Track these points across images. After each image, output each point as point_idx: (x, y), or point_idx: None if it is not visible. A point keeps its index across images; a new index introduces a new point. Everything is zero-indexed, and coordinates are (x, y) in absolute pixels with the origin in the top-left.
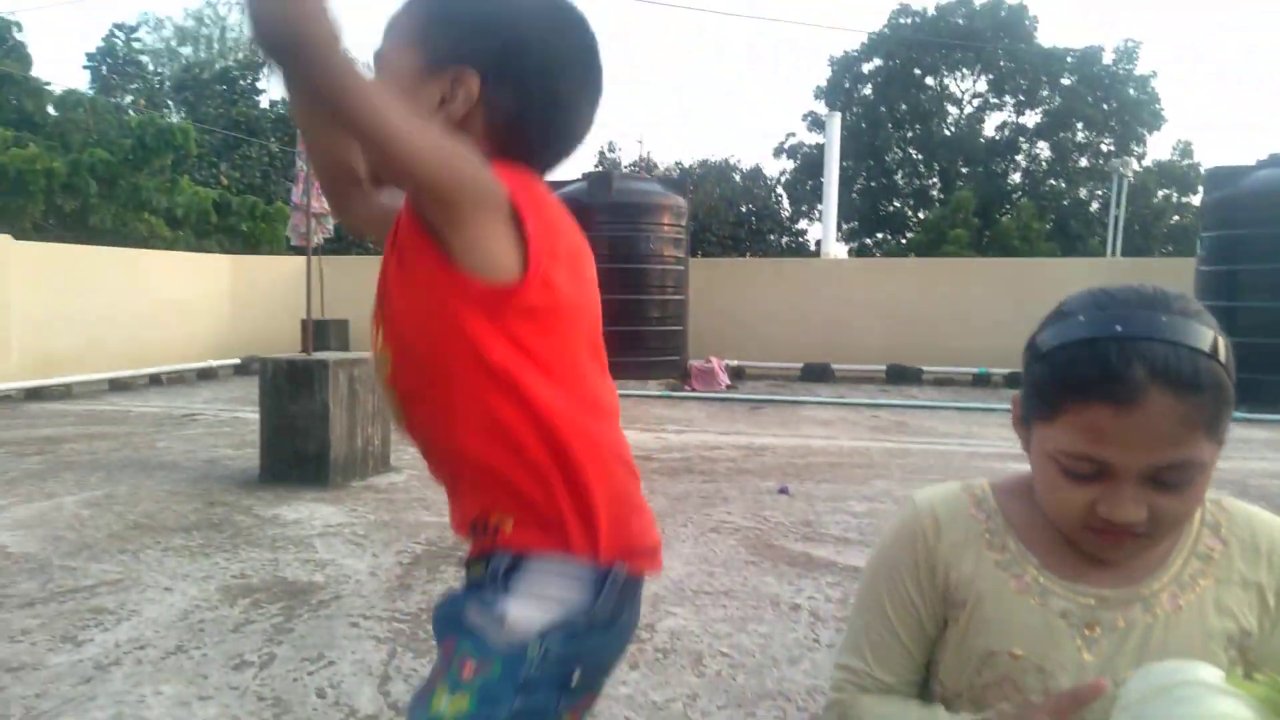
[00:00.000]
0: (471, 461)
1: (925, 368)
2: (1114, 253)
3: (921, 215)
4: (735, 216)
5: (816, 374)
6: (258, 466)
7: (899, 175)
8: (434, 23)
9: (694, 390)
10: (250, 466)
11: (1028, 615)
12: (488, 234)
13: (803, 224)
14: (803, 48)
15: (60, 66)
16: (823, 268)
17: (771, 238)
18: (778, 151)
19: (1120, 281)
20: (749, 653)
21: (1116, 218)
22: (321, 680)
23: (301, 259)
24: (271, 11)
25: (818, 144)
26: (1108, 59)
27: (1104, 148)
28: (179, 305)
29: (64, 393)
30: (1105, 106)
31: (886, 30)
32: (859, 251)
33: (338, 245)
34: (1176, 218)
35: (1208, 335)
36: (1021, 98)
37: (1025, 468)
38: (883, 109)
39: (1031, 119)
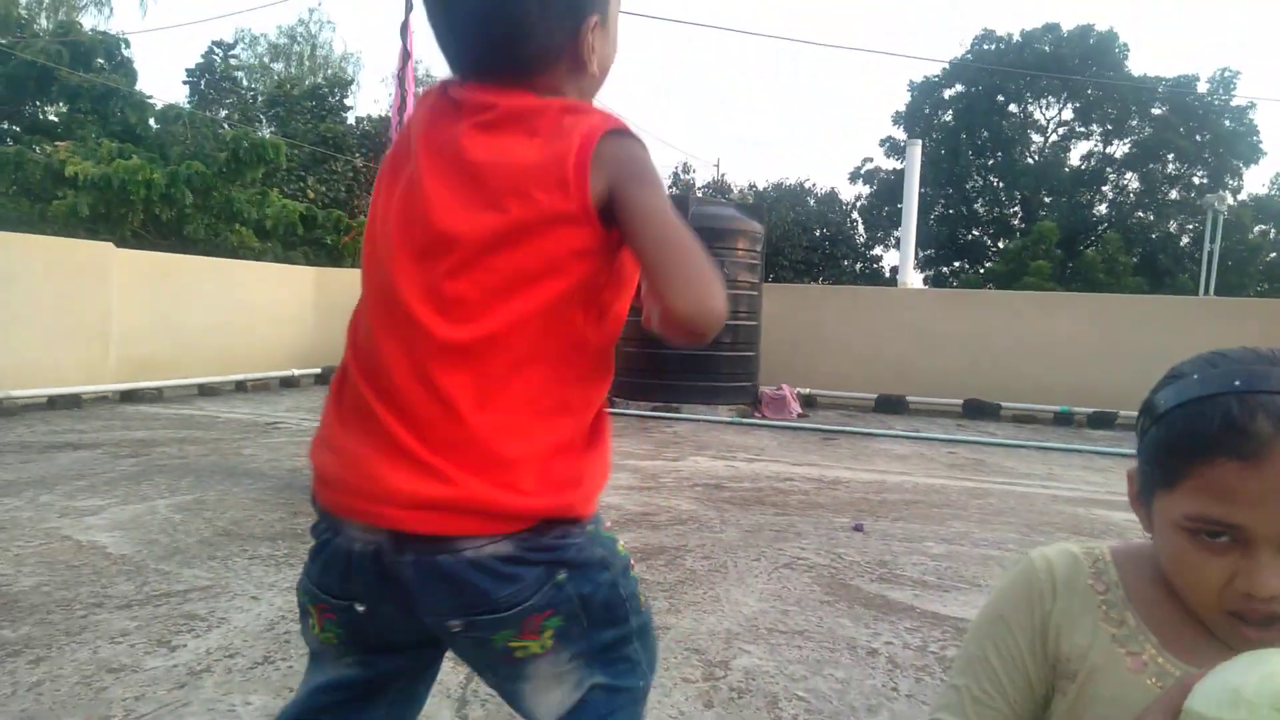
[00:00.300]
0: None
1: (1004, 403)
2: (1207, 290)
3: (1001, 245)
4: (809, 241)
5: (891, 406)
6: None
7: (979, 203)
8: None
9: (765, 418)
10: None
11: (1142, 696)
12: None
13: (877, 250)
14: (882, 72)
15: (162, 81)
16: (899, 296)
17: (845, 263)
18: (854, 176)
19: (1215, 321)
20: (826, 698)
21: (1210, 253)
22: None
23: None
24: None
25: (895, 169)
26: (1202, 88)
27: (1196, 180)
28: (266, 314)
29: (156, 396)
30: (1198, 138)
31: (969, 56)
32: (935, 280)
33: None
34: (1274, 254)
35: None
36: (1109, 127)
37: (1124, 522)
38: (963, 135)
39: (1119, 149)
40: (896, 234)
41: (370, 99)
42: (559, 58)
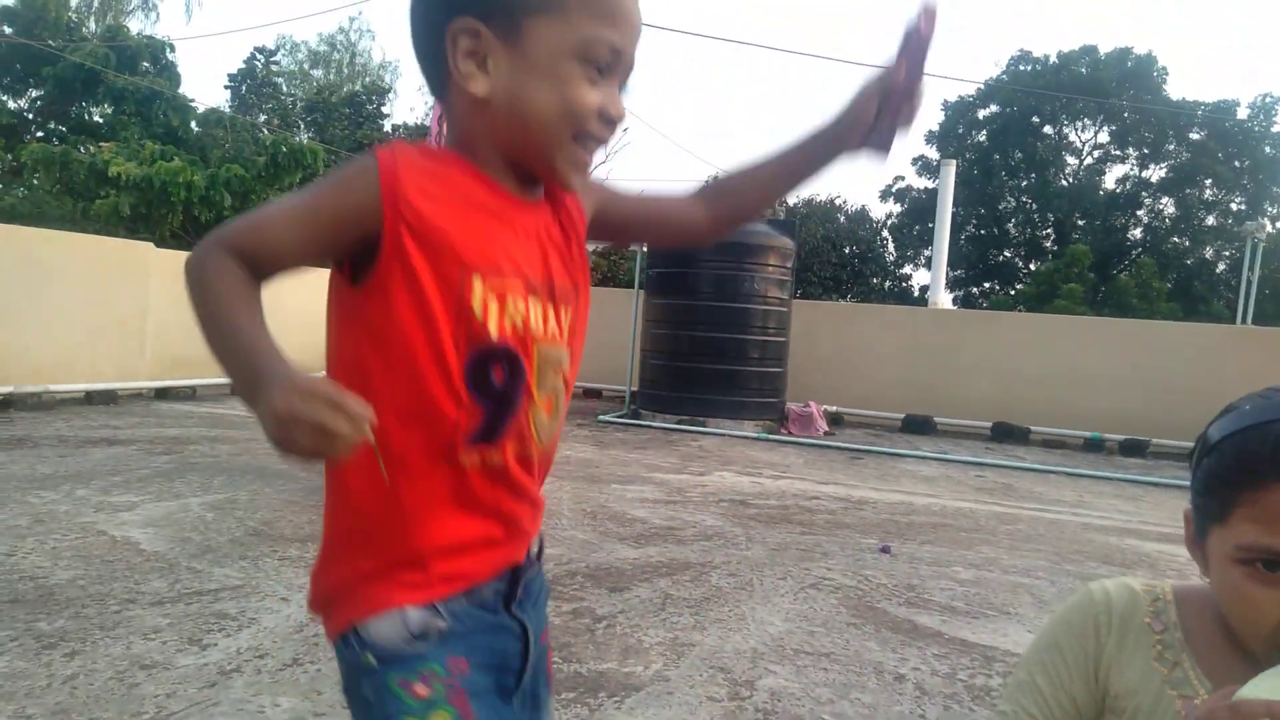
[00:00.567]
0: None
1: (1033, 427)
2: (1244, 319)
3: (1033, 266)
4: (838, 258)
5: (918, 426)
6: None
7: (1011, 224)
8: None
9: (791, 434)
10: None
11: None
12: None
13: (907, 269)
14: None
15: (205, 86)
16: (929, 316)
17: (874, 281)
18: (885, 194)
19: (1253, 350)
20: None
21: (1249, 281)
22: None
23: None
24: None
25: (926, 188)
26: (1242, 114)
27: (1234, 207)
28: (299, 317)
29: (189, 394)
30: (1237, 164)
31: (1005, 77)
32: (964, 301)
33: None
34: None
35: None
36: (1146, 151)
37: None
38: (997, 156)
39: (1156, 173)
40: (926, 253)
41: (407, 107)
42: (434, 77)
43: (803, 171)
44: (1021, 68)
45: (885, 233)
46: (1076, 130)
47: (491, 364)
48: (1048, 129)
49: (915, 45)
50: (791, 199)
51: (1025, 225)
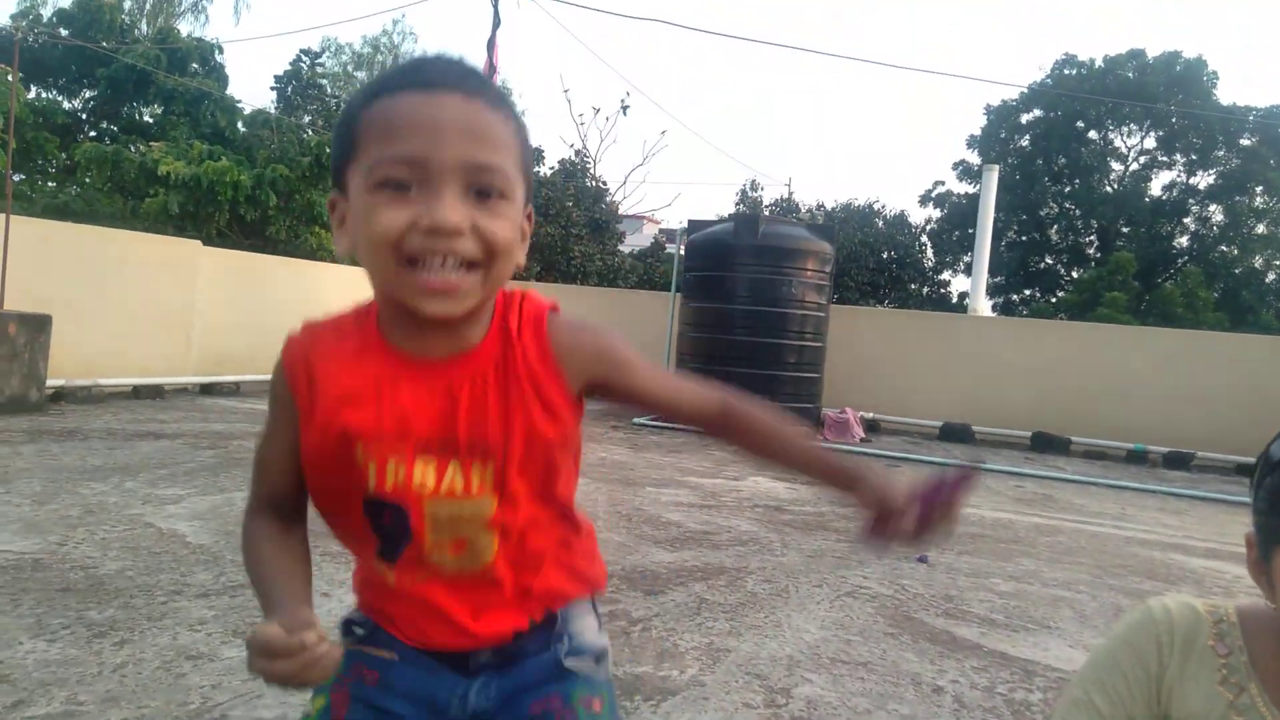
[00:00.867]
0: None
1: (1074, 438)
2: None
3: (1075, 274)
4: (876, 263)
5: (956, 434)
6: None
7: (1053, 230)
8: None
9: (827, 440)
10: None
11: None
12: None
13: (946, 275)
14: (957, 95)
15: (252, 87)
16: (969, 324)
17: (913, 287)
18: (924, 199)
19: None
20: None
21: None
22: None
23: None
24: None
25: (967, 193)
26: None
27: None
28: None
29: (233, 390)
30: None
31: (1049, 81)
32: (1004, 308)
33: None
34: None
35: None
36: (1194, 157)
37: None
38: (1039, 161)
39: (1204, 180)
40: (966, 259)
41: None
42: None
43: (805, 475)
44: (1066, 71)
45: (924, 238)
46: (1122, 136)
47: (381, 508)
48: (1092, 134)
49: (938, 494)
50: (829, 203)
51: (1068, 232)
